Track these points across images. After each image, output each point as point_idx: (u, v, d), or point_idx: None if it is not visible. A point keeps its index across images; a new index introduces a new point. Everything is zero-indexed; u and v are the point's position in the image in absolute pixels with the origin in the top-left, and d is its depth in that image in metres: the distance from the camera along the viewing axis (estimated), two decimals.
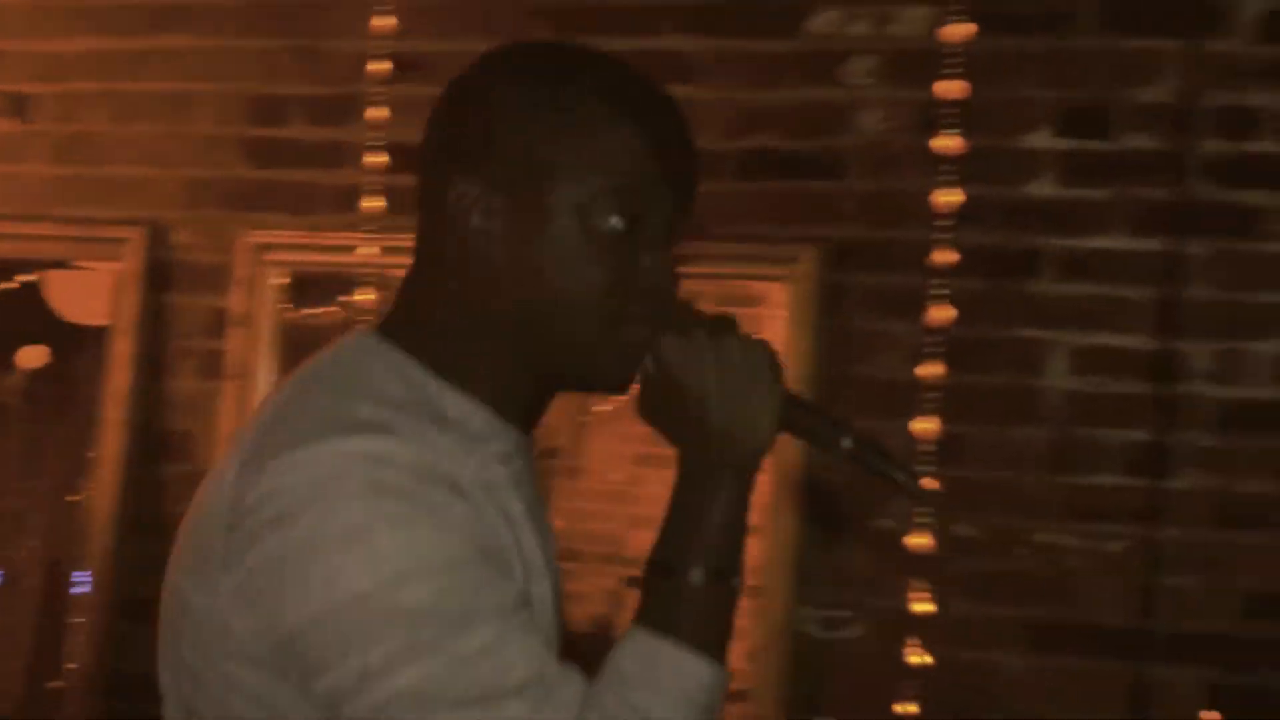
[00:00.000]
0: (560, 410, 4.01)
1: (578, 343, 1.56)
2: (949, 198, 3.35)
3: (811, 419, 1.60)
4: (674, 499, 1.58)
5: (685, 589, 1.52)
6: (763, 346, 1.58)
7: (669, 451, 1.60)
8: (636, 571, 1.57)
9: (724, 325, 1.57)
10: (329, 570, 1.40)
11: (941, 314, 3.38)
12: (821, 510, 3.60)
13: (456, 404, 1.55)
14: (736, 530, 1.55)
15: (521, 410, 1.62)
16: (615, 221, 1.53)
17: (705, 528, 1.54)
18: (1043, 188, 3.57)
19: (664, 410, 1.59)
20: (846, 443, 1.59)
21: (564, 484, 4.00)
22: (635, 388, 1.62)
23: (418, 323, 1.59)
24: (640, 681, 1.47)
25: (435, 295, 1.58)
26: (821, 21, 3.68)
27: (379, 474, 1.41)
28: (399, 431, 1.45)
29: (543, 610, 1.59)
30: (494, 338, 1.57)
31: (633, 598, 1.57)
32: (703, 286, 3.52)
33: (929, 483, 3.21)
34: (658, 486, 3.58)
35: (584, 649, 1.63)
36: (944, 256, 3.36)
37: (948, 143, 3.32)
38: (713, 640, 1.52)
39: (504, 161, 1.54)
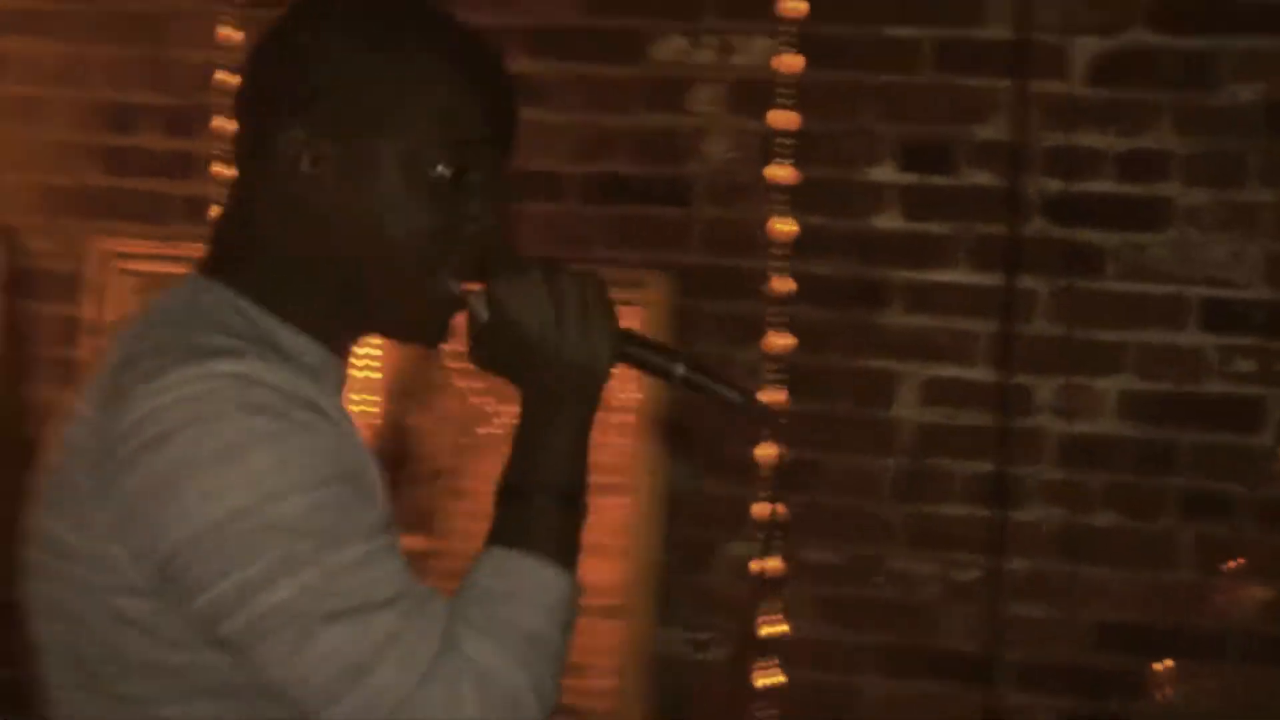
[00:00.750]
0: (446, 432, 4.02)
1: (393, 289, 1.58)
2: (785, 227, 3.34)
3: (646, 349, 1.65)
4: (519, 429, 1.60)
5: (536, 510, 1.56)
6: (595, 281, 1.61)
7: None
8: None
9: (555, 264, 1.60)
10: (206, 488, 1.42)
11: (780, 341, 3.37)
12: (684, 534, 3.62)
13: (290, 338, 1.57)
14: (580, 456, 1.60)
15: (341, 347, 1.64)
16: (442, 170, 1.55)
17: (551, 454, 1.58)
18: (887, 220, 3.58)
19: (502, 353, 1.60)
20: (680, 370, 1.63)
21: (449, 505, 3.97)
22: (463, 342, 1.64)
23: (243, 264, 1.59)
24: (503, 595, 1.51)
25: (259, 239, 1.58)
26: (667, 49, 3.69)
27: (248, 393, 1.43)
28: (253, 358, 1.47)
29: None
30: (318, 280, 1.58)
31: None
32: None
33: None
34: None
35: None
36: (782, 285, 3.35)
37: (781, 172, 3.31)
38: (566, 555, 1.56)
39: (334, 108, 1.55)
